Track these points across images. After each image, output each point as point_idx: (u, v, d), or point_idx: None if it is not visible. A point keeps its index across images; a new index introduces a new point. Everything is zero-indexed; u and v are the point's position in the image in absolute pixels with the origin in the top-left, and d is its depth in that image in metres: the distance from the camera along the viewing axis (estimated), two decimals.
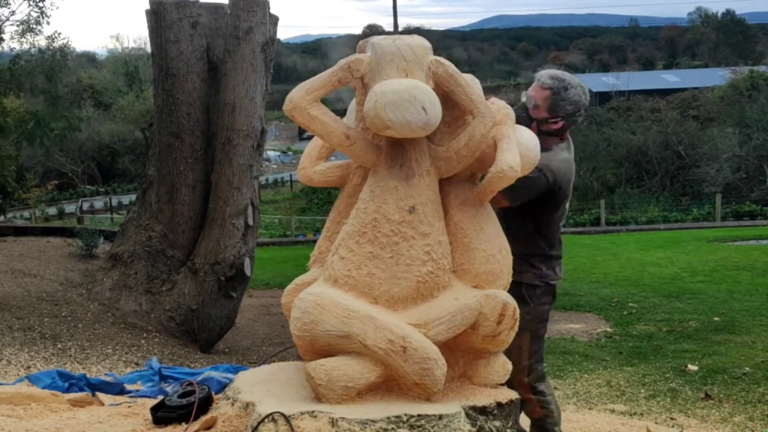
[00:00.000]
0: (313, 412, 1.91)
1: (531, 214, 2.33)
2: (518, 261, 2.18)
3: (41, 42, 10.80)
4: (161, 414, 2.19)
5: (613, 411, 3.72)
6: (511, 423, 2.10)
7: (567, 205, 2.41)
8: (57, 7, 11.65)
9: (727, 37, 48.30)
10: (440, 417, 1.93)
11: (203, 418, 2.09)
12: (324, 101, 2.13)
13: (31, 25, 10.60)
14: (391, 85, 2.01)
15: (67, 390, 2.98)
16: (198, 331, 5.59)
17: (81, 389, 3.01)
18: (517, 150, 2.14)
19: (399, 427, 1.90)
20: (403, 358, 1.99)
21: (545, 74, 2.38)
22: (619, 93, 30.57)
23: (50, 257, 6.66)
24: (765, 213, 17.36)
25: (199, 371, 3.66)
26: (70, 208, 22.44)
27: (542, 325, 2.40)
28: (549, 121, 2.36)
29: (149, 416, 2.44)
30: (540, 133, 2.29)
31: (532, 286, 2.35)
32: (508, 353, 2.17)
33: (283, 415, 1.85)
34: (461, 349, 2.17)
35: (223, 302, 5.70)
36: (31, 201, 20.18)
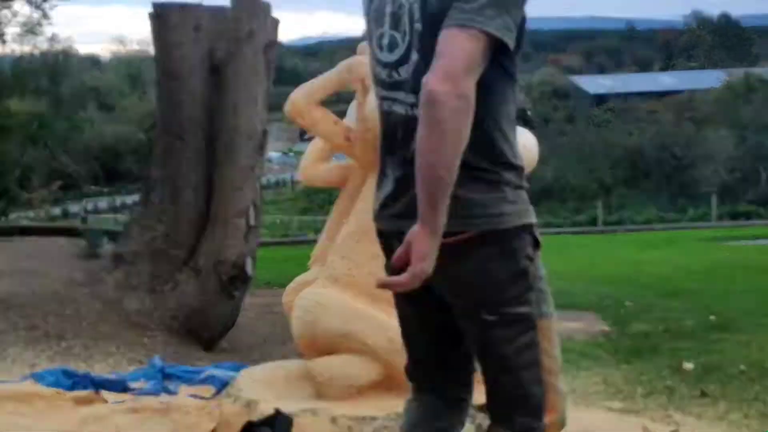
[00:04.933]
0: (314, 409, 1.95)
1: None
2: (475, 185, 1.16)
3: (43, 44, 10.82)
4: None
5: (609, 409, 3.76)
6: None
7: (373, 54, 1.24)
8: (57, 6, 11.76)
9: (723, 40, 48.33)
10: None
11: None
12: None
13: (32, 27, 10.62)
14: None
15: (72, 388, 3.01)
16: (200, 329, 5.62)
17: (85, 387, 3.04)
18: None
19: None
20: (404, 356, 2.03)
21: None
22: (616, 95, 30.63)
23: (54, 257, 6.68)
24: (760, 213, 17.43)
25: (201, 369, 3.70)
26: (74, 208, 22.39)
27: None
28: None
29: (149, 415, 2.48)
30: None
31: (515, 231, 1.18)
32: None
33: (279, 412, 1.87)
34: None
35: (225, 301, 5.74)
36: (35, 202, 20.14)
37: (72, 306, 5.42)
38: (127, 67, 30.41)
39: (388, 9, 1.19)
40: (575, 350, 5.20)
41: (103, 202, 24.27)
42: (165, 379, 3.43)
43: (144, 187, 6.25)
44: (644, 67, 48.78)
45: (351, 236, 2.14)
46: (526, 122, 2.40)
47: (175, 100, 5.82)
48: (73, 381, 3.09)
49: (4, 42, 10.65)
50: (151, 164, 6.21)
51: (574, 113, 28.04)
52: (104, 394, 2.98)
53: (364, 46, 2.25)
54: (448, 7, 1.10)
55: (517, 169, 1.24)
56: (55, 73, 10.33)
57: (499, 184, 1.18)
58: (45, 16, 10.51)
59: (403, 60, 1.18)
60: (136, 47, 34.93)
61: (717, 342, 5.21)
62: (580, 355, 5.03)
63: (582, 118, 26.26)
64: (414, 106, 1.15)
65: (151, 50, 6.49)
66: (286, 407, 1.96)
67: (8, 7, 10.36)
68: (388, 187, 1.22)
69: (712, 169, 19.85)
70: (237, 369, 3.31)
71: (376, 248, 2.14)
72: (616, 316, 6.38)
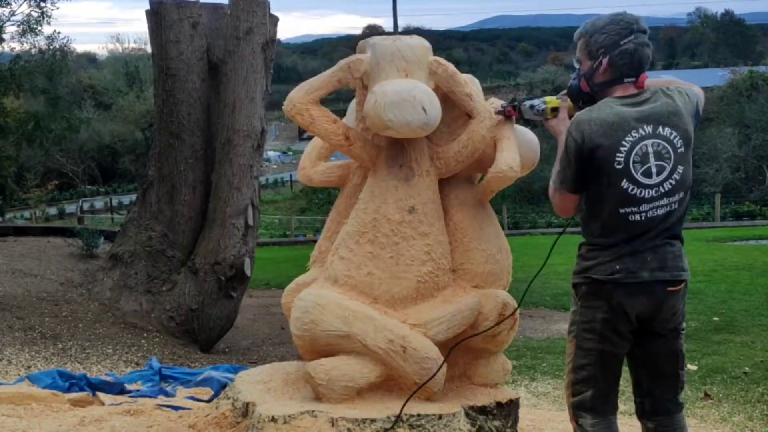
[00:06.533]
0: (313, 411, 1.92)
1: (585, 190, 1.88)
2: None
3: (41, 42, 10.83)
4: None
5: None
6: (510, 423, 2.11)
7: (628, 187, 1.77)
8: (58, 7, 11.61)
9: (727, 38, 48.34)
10: (440, 416, 1.94)
11: None
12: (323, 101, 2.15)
13: (31, 26, 10.61)
14: (391, 85, 2.02)
15: (68, 390, 2.99)
16: (198, 331, 5.59)
17: (81, 389, 3.01)
18: (517, 150, 2.15)
19: (399, 427, 1.90)
20: (403, 357, 2.00)
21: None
22: None
23: (51, 257, 6.66)
24: (764, 213, 17.37)
25: (199, 371, 3.67)
26: (70, 208, 22.43)
27: (589, 336, 1.84)
28: (594, 70, 1.84)
29: (147, 417, 2.45)
30: (596, 92, 1.86)
31: (576, 283, 1.89)
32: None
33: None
34: (461, 349, 2.17)
35: (223, 302, 5.71)
36: (31, 201, 20.18)
37: (68, 307, 5.40)
38: (125, 65, 30.39)
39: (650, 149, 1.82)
40: None
41: (99, 202, 24.30)
42: (162, 381, 3.40)
43: (141, 186, 6.23)
44: None
45: (350, 237, 2.11)
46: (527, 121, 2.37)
47: (173, 99, 5.79)
48: (70, 383, 3.06)
49: (2, 40, 10.66)
50: (148, 163, 6.19)
51: None
52: (101, 396, 2.96)
53: (363, 44, 2.21)
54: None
55: None
56: (52, 71, 10.32)
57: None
58: (44, 15, 10.51)
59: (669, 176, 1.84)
60: (133, 45, 34.95)
61: (721, 343, 5.16)
62: None
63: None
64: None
65: (149, 48, 6.45)
66: (285, 409, 1.93)
67: (8, 5, 10.36)
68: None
69: (715, 169, 19.80)
70: (235, 371, 3.29)
71: (374, 248, 2.12)
72: None
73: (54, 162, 23.99)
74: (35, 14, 10.58)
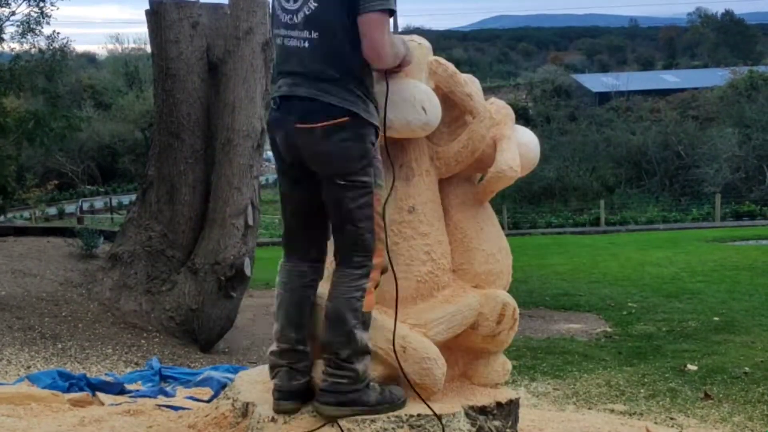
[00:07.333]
0: (313, 411, 1.91)
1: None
2: None
3: (41, 42, 10.84)
4: None
5: (612, 411, 3.73)
6: (510, 423, 2.10)
7: (277, 6, 1.85)
8: (57, 8, 11.62)
9: (727, 38, 48.37)
10: (440, 417, 1.93)
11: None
12: None
13: (31, 26, 10.62)
14: (391, 85, 2.01)
15: (68, 390, 2.99)
16: (198, 331, 5.60)
17: (81, 389, 3.01)
18: (517, 150, 2.15)
19: (399, 427, 1.90)
20: (403, 357, 2.00)
21: None
22: (619, 93, 30.59)
23: (50, 257, 6.67)
24: (764, 213, 17.38)
25: (199, 371, 3.67)
26: (70, 208, 22.44)
27: (279, 178, 1.95)
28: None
29: (146, 417, 2.45)
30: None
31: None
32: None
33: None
34: (461, 349, 2.17)
35: (223, 302, 5.71)
36: (31, 201, 20.18)
37: (68, 307, 5.40)
38: (124, 65, 30.43)
39: None
40: (577, 352, 5.17)
41: (99, 202, 24.32)
42: (162, 381, 3.40)
43: (141, 186, 6.23)
44: (647, 65, 48.73)
45: None
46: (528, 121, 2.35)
47: (173, 99, 5.79)
48: (69, 383, 3.06)
49: (2, 40, 10.67)
50: (148, 163, 6.19)
51: (577, 112, 28.02)
52: (101, 396, 2.95)
53: None
54: None
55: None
56: (51, 71, 10.35)
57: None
58: (43, 15, 10.52)
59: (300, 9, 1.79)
60: (132, 45, 35.00)
61: (721, 343, 5.17)
62: (583, 357, 5.00)
63: (584, 117, 26.23)
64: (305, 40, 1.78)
65: (148, 48, 6.45)
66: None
67: (7, 5, 10.36)
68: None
69: (715, 169, 19.80)
70: (235, 371, 3.29)
71: None
72: (619, 318, 6.36)
73: (54, 162, 24.00)
74: (35, 14, 10.59)
